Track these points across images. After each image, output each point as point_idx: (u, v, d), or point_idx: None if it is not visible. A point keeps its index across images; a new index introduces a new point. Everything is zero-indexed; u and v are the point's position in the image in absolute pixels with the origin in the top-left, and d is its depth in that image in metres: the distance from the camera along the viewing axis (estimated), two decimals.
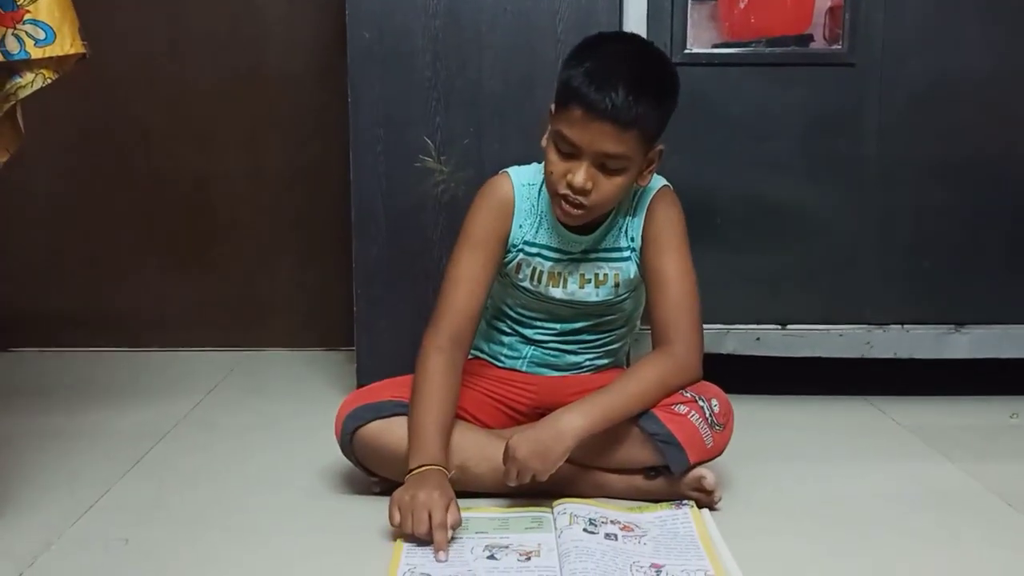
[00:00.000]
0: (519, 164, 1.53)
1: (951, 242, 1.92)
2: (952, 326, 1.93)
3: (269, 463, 1.62)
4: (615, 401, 1.36)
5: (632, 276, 1.50)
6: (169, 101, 2.36)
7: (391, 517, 1.26)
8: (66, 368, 2.28)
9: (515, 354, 1.58)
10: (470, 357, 1.53)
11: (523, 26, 1.84)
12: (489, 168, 1.74)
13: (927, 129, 1.87)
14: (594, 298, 1.51)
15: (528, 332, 1.56)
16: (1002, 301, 1.93)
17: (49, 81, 1.51)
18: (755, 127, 1.88)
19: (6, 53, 1.46)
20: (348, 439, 1.42)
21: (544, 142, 1.41)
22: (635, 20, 1.82)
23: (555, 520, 1.33)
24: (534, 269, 1.50)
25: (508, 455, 1.32)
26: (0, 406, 1.92)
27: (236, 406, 1.97)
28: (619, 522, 1.32)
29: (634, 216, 1.49)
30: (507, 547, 1.25)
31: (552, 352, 1.56)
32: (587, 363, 1.57)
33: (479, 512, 1.37)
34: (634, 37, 1.50)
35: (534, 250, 1.49)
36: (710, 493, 1.40)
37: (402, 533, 1.26)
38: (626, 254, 1.49)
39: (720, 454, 1.44)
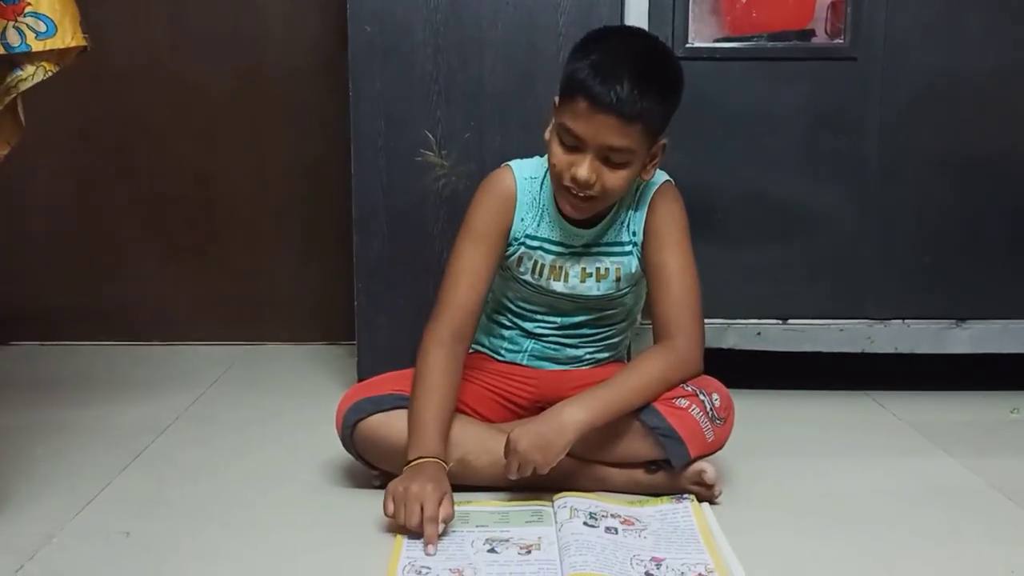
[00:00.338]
0: (521, 158, 1.53)
1: (952, 237, 1.91)
2: (953, 321, 1.93)
3: (270, 457, 1.62)
4: (616, 395, 1.36)
5: (633, 270, 1.50)
6: (170, 96, 2.36)
7: (385, 507, 1.26)
8: (67, 362, 2.28)
9: (515, 348, 1.57)
10: (470, 351, 1.53)
11: (524, 20, 1.84)
12: (490, 162, 1.74)
13: (929, 124, 1.87)
14: (595, 292, 1.51)
15: (529, 326, 1.56)
16: (1003, 296, 1.93)
17: (50, 74, 1.51)
18: (756, 122, 1.87)
19: (7, 46, 1.46)
20: (349, 432, 1.42)
21: (547, 135, 1.41)
22: (637, 14, 1.82)
23: (555, 514, 1.33)
24: (535, 262, 1.50)
25: (509, 448, 1.32)
26: (1, 400, 1.92)
27: (237, 400, 1.97)
28: (619, 516, 1.32)
29: (636, 210, 1.48)
30: (507, 540, 1.26)
31: (552, 346, 1.56)
32: (587, 357, 1.57)
33: (480, 506, 1.37)
34: (640, 32, 1.50)
35: (536, 243, 1.49)
36: (711, 487, 1.40)
37: (396, 524, 1.26)
38: (628, 248, 1.49)
39: (721, 448, 1.44)
